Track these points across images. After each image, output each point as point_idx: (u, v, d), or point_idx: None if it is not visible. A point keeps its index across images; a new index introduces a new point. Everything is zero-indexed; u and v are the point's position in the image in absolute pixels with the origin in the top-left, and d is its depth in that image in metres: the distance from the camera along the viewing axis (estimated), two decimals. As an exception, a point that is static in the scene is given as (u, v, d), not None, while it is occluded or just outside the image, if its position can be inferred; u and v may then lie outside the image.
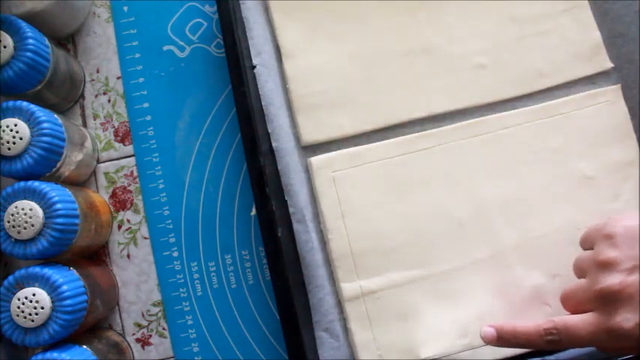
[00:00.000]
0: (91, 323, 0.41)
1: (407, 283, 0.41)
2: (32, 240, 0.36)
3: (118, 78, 0.48)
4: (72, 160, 0.42)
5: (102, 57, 0.48)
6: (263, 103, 0.43)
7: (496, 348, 0.40)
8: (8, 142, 0.37)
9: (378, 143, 0.43)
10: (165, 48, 0.48)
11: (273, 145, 0.42)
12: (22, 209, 0.36)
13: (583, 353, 0.40)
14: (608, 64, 0.45)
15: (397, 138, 0.43)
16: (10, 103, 0.38)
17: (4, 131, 0.37)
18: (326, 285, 0.41)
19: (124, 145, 0.47)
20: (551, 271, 0.41)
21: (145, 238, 0.46)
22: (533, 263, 0.41)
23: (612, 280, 0.32)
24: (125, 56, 0.48)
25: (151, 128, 0.47)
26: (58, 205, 0.37)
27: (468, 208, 0.42)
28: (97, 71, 0.48)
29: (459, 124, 0.43)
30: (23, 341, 0.36)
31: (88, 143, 0.45)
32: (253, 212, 0.46)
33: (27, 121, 0.37)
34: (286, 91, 0.44)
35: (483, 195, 0.42)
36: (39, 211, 0.36)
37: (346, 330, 0.41)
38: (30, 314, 0.35)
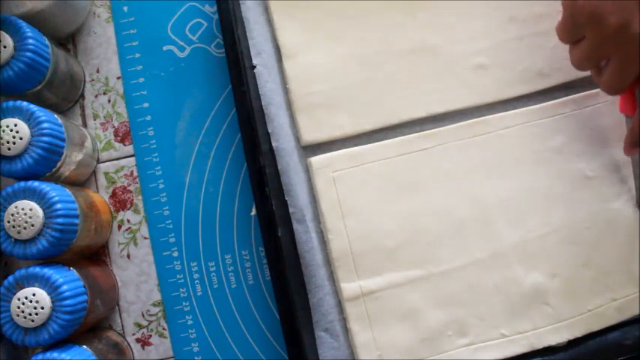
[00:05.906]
0: (91, 323, 0.41)
1: (407, 283, 0.41)
2: (32, 240, 0.36)
3: (118, 78, 0.48)
4: (72, 160, 0.42)
5: (102, 57, 0.48)
6: (263, 103, 0.43)
7: (495, 348, 0.40)
8: (8, 142, 0.37)
9: (378, 143, 0.43)
10: (165, 48, 0.48)
11: (273, 145, 0.42)
12: (22, 209, 0.36)
13: (582, 353, 0.40)
14: (608, 64, 0.45)
15: (397, 138, 0.43)
16: (10, 103, 0.38)
17: (4, 131, 0.37)
18: (326, 285, 0.41)
19: (124, 145, 0.47)
20: (551, 271, 0.41)
21: (145, 238, 0.46)
22: (533, 263, 0.41)
23: None
24: (125, 56, 0.48)
25: (151, 128, 0.47)
26: (58, 205, 0.37)
27: (468, 208, 0.42)
28: (97, 71, 0.48)
29: (459, 124, 0.43)
30: (23, 341, 0.36)
31: (88, 143, 0.45)
32: (253, 212, 0.46)
33: (27, 121, 0.37)
34: (286, 90, 0.44)
35: (483, 195, 0.42)
36: (39, 211, 0.36)
37: (346, 330, 0.41)
38: (30, 314, 0.35)
